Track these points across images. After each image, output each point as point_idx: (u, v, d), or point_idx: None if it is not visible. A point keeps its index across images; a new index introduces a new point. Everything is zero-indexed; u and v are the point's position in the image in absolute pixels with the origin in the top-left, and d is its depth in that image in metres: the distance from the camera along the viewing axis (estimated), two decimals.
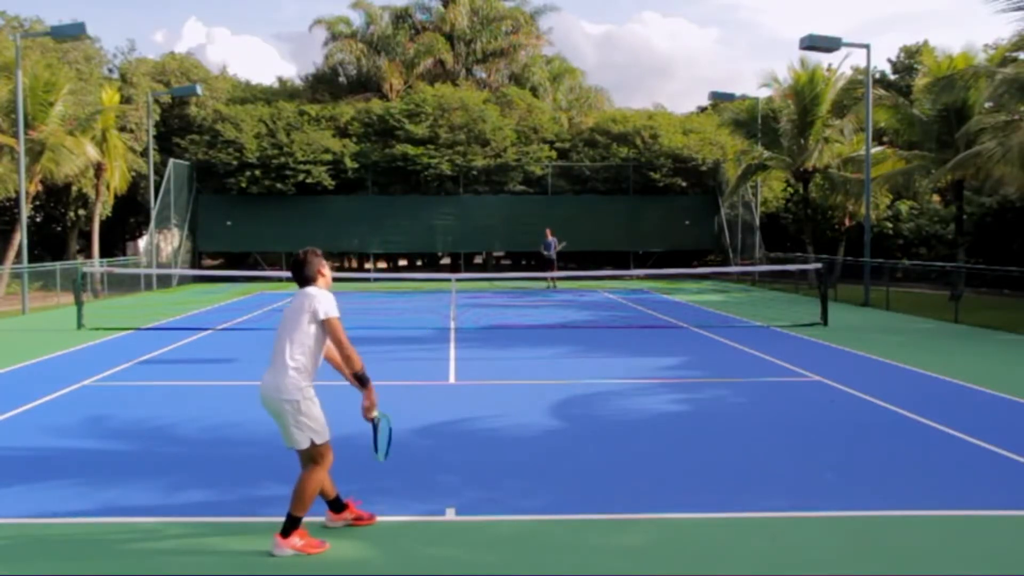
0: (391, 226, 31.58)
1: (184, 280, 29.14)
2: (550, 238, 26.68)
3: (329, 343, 4.88)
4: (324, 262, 5.11)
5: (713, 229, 32.90)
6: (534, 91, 35.89)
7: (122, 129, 28.87)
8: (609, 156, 32.71)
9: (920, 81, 24.48)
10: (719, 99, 29.98)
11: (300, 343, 4.75)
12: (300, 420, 4.73)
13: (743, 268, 27.35)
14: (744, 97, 29.72)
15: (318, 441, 4.80)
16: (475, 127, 31.47)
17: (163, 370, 11.03)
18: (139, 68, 32.70)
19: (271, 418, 4.91)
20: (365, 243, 32.02)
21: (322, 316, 4.72)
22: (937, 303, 19.41)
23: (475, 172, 31.86)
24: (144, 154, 28.86)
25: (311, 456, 4.82)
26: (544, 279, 26.14)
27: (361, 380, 4.88)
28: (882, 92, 26.35)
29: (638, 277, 29.30)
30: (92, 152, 24.55)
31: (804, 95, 25.94)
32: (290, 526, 4.71)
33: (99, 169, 26.16)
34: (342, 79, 37.29)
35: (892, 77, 37.74)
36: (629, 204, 32.44)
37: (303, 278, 4.99)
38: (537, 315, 18.25)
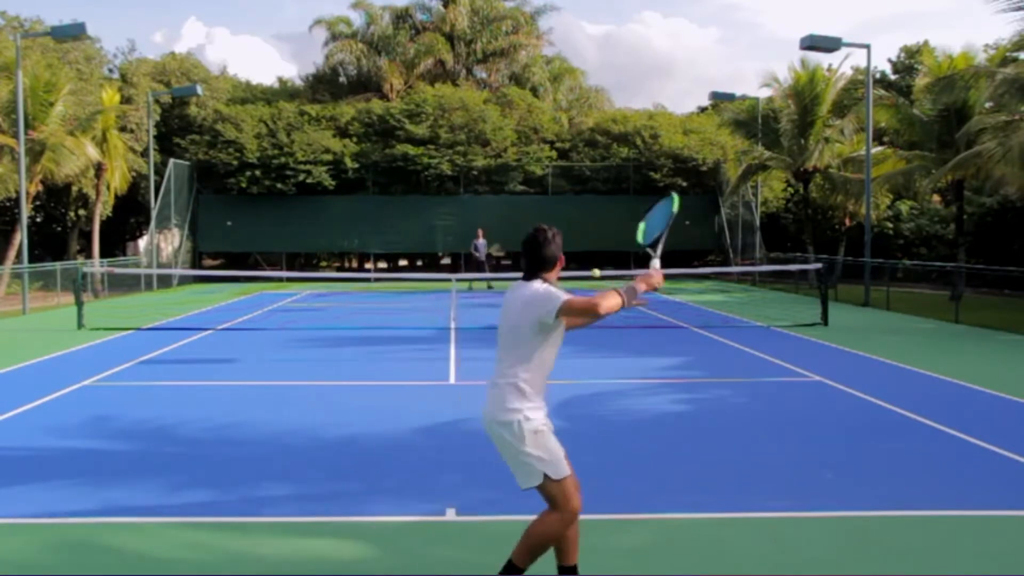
0: (391, 226, 31.58)
1: (184, 280, 29.15)
2: (481, 239, 26.35)
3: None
4: None
5: (713, 229, 32.88)
6: (534, 91, 35.89)
7: (122, 129, 28.87)
8: (609, 156, 32.70)
9: (920, 81, 24.49)
10: (719, 99, 29.98)
11: (524, 358, 3.88)
12: (523, 450, 3.83)
13: (744, 268, 27.35)
14: (744, 97, 29.72)
15: (552, 474, 3.85)
16: (475, 127, 31.48)
17: (163, 370, 11.03)
18: (139, 68, 32.69)
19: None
20: (365, 243, 32.02)
21: (553, 318, 3.78)
22: (937, 303, 19.41)
23: (475, 172, 31.87)
24: (144, 154, 28.86)
25: (549, 496, 3.93)
26: (476, 280, 25.51)
27: (632, 294, 3.84)
28: (882, 92, 26.43)
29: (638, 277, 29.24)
30: (92, 152, 24.55)
31: (804, 95, 25.94)
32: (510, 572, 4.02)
33: (99, 169, 26.17)
34: (342, 79, 37.30)
35: (892, 77, 37.72)
36: (629, 204, 32.39)
37: (540, 259, 3.97)
38: None
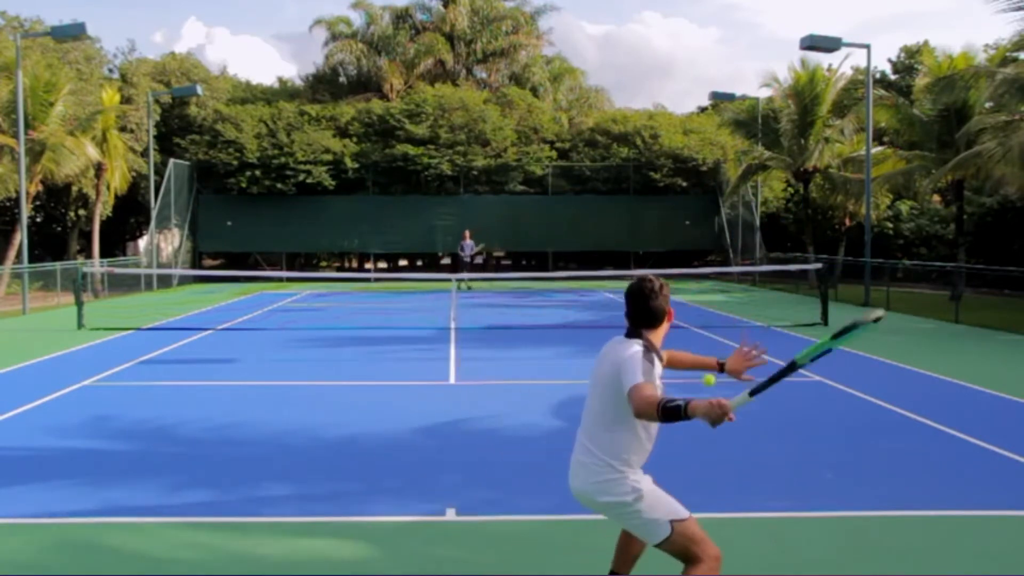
0: (391, 226, 31.59)
1: (184, 280, 29.15)
2: (468, 240, 26.33)
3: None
4: None
5: (713, 229, 32.89)
6: (534, 91, 35.90)
7: (122, 129, 28.88)
8: (609, 156, 32.71)
9: (920, 81, 24.48)
10: (719, 99, 29.98)
11: (621, 428, 3.46)
12: (645, 518, 3.47)
13: (744, 268, 27.35)
14: (744, 97, 29.72)
15: (675, 516, 3.51)
16: (475, 127, 31.48)
17: (163, 370, 11.03)
18: (139, 68, 32.70)
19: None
20: (365, 243, 32.04)
21: (626, 390, 3.33)
22: (937, 303, 19.41)
23: (475, 172, 31.88)
24: (144, 154, 28.87)
25: (681, 549, 3.48)
26: (473, 280, 25.66)
27: (674, 415, 3.20)
28: (882, 92, 26.41)
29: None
30: (92, 152, 24.55)
31: (804, 95, 25.95)
32: None
33: (99, 169, 26.17)
34: (342, 79, 37.31)
35: (892, 77, 37.72)
36: (629, 204, 32.43)
37: (643, 315, 3.55)
38: (537, 315, 18.25)
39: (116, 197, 28.16)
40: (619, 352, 3.47)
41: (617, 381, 3.39)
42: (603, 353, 3.60)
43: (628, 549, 3.84)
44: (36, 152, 22.52)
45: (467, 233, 26.70)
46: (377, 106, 32.81)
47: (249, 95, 35.55)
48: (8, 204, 27.92)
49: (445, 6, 37.01)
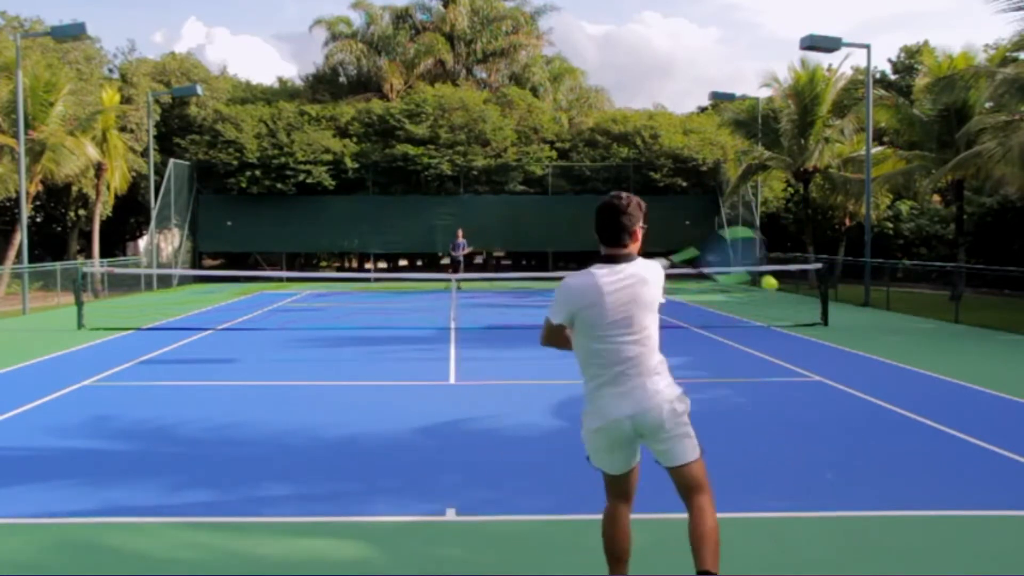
0: (391, 226, 31.60)
1: (184, 280, 29.16)
2: (460, 239, 26.23)
3: None
4: None
5: (714, 229, 32.87)
6: (534, 91, 35.92)
7: (122, 129, 28.88)
8: (609, 156, 32.72)
9: (920, 81, 24.50)
10: (719, 99, 29.99)
11: (655, 338, 3.62)
12: (689, 423, 3.64)
13: (743, 268, 27.29)
14: (744, 97, 29.73)
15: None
16: (475, 127, 31.50)
17: (164, 370, 11.03)
18: (139, 68, 32.72)
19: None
20: (365, 243, 32.04)
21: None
22: (937, 303, 19.40)
23: (475, 172, 31.88)
24: (144, 154, 28.88)
25: (702, 473, 3.61)
26: (466, 280, 25.33)
27: None
28: (882, 92, 26.43)
29: None
30: (92, 152, 24.56)
31: (804, 95, 25.96)
32: None
33: (99, 169, 26.18)
34: (342, 79, 37.34)
35: (892, 77, 37.73)
36: None
37: (615, 231, 3.66)
38: (537, 315, 18.19)
39: (116, 197, 28.17)
40: (652, 274, 3.58)
41: (655, 295, 3.54)
42: (623, 281, 3.56)
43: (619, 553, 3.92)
44: (36, 152, 22.53)
45: (460, 232, 26.67)
46: (377, 106, 32.83)
47: (249, 95, 35.58)
48: (8, 204, 27.93)
49: (445, 6, 37.04)
